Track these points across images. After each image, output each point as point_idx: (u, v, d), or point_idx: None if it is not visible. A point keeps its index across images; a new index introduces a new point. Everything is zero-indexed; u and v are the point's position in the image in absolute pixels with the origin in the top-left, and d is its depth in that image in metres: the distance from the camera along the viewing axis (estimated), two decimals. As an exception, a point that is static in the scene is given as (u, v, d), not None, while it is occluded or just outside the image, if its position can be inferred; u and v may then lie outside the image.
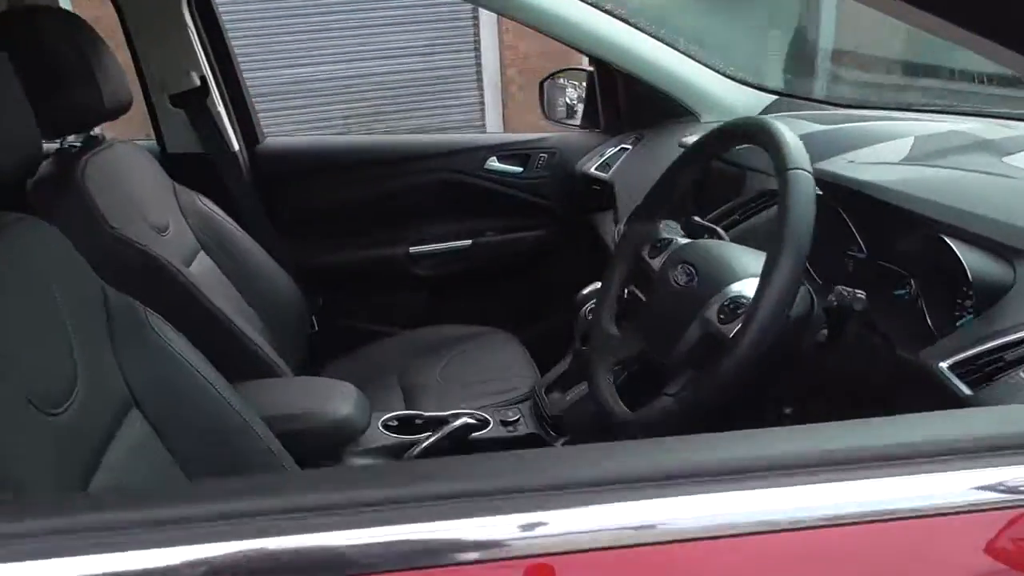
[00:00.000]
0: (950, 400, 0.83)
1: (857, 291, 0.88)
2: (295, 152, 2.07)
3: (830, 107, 1.92)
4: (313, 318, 1.97)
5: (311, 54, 7.13)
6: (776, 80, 2.29)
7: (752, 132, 1.00)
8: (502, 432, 1.46)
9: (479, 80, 8.08)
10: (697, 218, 1.21)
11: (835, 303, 0.88)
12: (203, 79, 1.89)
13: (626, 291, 1.19)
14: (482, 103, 8.14)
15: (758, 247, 1.20)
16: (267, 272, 1.82)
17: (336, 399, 1.34)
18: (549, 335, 2.22)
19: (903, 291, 1.05)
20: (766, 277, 0.84)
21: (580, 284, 2.24)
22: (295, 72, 6.80)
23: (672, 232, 1.18)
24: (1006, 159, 1.23)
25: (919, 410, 0.90)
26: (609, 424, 1.05)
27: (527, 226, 2.19)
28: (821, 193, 1.14)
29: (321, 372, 1.90)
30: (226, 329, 1.43)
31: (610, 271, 1.21)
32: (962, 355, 0.84)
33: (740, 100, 2.04)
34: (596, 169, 2.03)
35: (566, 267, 2.23)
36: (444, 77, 7.91)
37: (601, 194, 2.02)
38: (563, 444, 1.44)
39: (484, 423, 1.41)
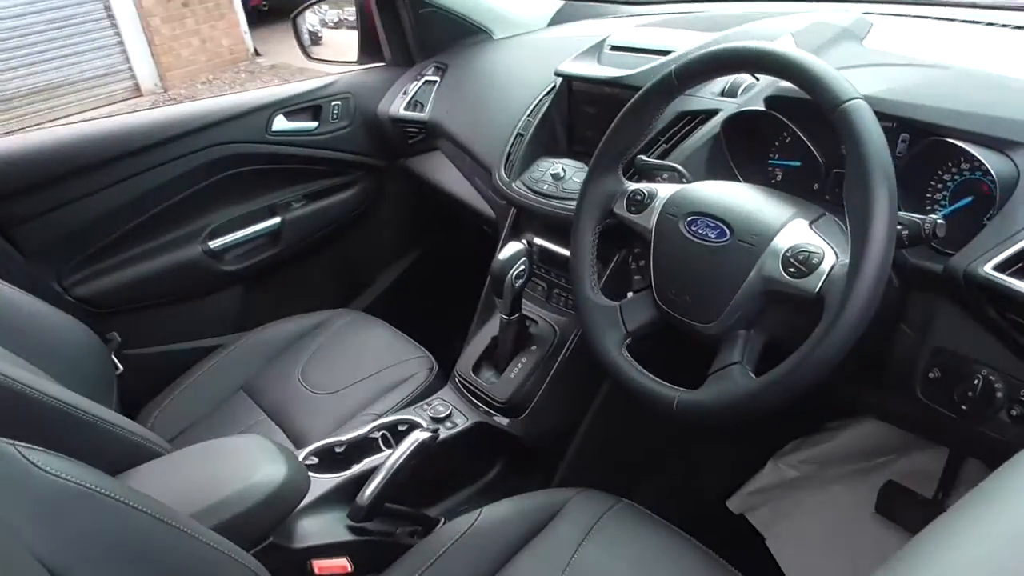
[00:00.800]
0: (1005, 304, 0.83)
1: (935, 216, 0.84)
2: (26, 154, 1.56)
3: (621, 6, 1.90)
4: (114, 358, 1.56)
5: None
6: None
7: (768, 63, 0.89)
8: (447, 432, 1.28)
9: (111, 17, 7.01)
10: (644, 157, 1.11)
11: (904, 231, 0.84)
12: None
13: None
14: (122, 43, 7.10)
15: (703, 175, 1.15)
16: (40, 319, 1.39)
17: (263, 461, 1.06)
18: (403, 301, 2.03)
19: None
20: (864, 223, 0.77)
21: (411, 236, 2.08)
22: None
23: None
24: (865, 44, 1.28)
25: (962, 320, 0.91)
26: (652, 407, 0.94)
27: (338, 187, 1.91)
28: (765, 109, 1.11)
29: (143, 416, 1.54)
30: (61, 414, 1.05)
31: (579, 236, 1.07)
32: (1003, 255, 0.83)
33: (529, 10, 1.94)
34: (406, 110, 1.82)
35: (392, 221, 2.03)
36: (67, 19, 6.74)
37: (421, 136, 1.82)
38: (513, 422, 1.31)
39: (435, 431, 1.22)
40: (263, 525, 1.04)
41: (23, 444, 0.76)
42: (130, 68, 7.22)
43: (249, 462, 1.07)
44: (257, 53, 7.93)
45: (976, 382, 0.86)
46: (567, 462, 1.35)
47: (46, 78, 6.73)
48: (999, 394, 0.86)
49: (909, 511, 1.48)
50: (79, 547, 0.75)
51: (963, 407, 0.88)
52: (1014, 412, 0.84)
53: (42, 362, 1.32)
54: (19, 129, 6.11)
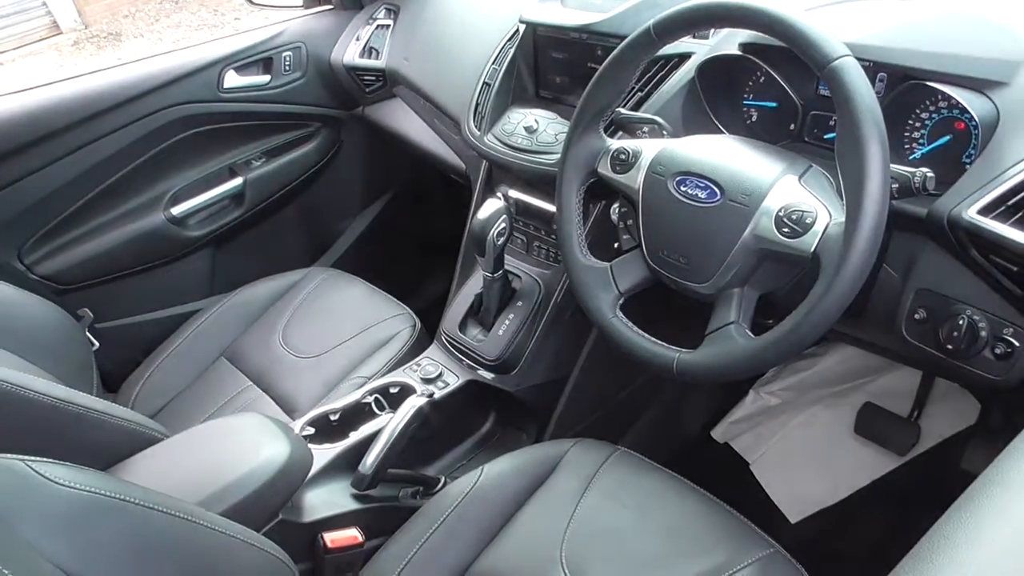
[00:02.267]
0: (988, 248, 0.85)
1: (925, 169, 0.85)
2: None
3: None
4: (88, 334, 1.53)
5: None
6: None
7: (752, 20, 0.88)
8: (440, 392, 1.30)
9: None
10: (622, 110, 1.10)
11: (895, 185, 0.85)
12: None
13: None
14: (32, -22, 6.64)
15: (680, 123, 1.14)
16: (9, 302, 1.36)
17: (265, 441, 1.07)
18: (374, 253, 2.01)
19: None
20: (859, 183, 0.77)
21: (376, 186, 2.04)
22: None
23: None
24: None
25: (945, 262, 0.93)
26: (651, 368, 0.96)
27: (297, 141, 1.86)
28: (741, 54, 1.10)
29: (126, 390, 1.52)
30: (55, 411, 1.03)
31: (563, 198, 1.06)
32: (986, 200, 0.84)
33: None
34: (362, 57, 1.76)
35: (355, 172, 1.99)
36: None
37: (379, 84, 1.77)
38: (504, 378, 1.33)
39: (430, 395, 1.23)
40: (272, 504, 1.05)
41: (32, 458, 0.75)
42: (44, 4, 6.77)
43: (251, 443, 1.07)
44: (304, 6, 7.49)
45: (961, 322, 0.89)
46: (559, 413, 1.38)
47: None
48: (983, 333, 0.89)
49: (887, 430, 1.56)
50: (100, 554, 0.76)
51: (948, 346, 0.91)
52: (998, 350, 0.88)
53: (18, 347, 1.30)
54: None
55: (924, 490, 1.49)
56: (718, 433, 1.70)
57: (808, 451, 1.62)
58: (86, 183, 1.59)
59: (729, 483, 1.10)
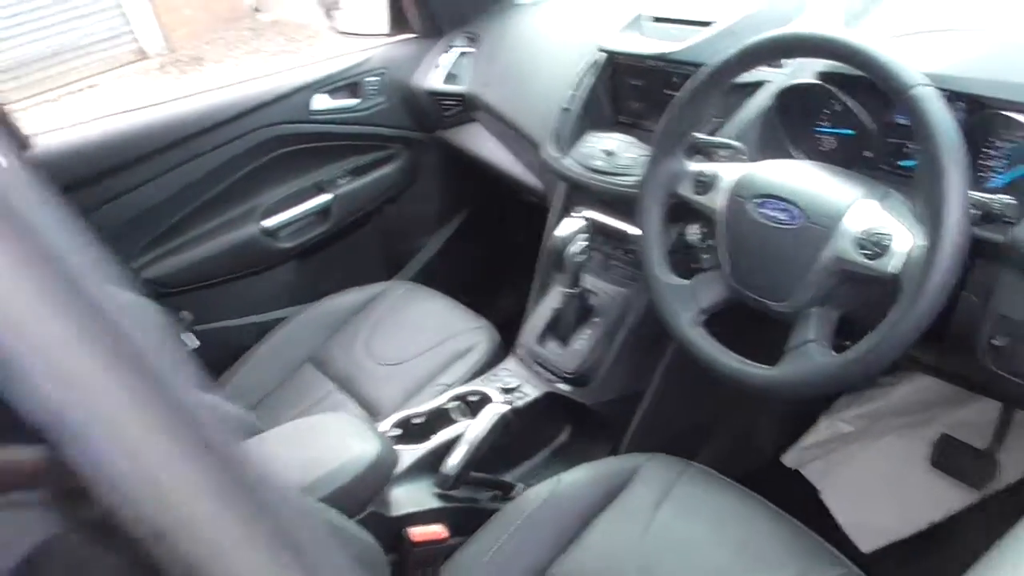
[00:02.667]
0: None
1: (1004, 196, 0.87)
2: (84, 149, 1.59)
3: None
4: (191, 335, 1.64)
5: None
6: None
7: (832, 51, 0.92)
8: (519, 402, 1.35)
9: (109, -21, 6.88)
10: (700, 135, 1.14)
11: (977, 213, 0.88)
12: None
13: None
14: (119, 5, 7.00)
15: (756, 148, 1.18)
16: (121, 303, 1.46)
17: (355, 438, 1.13)
18: (450, 268, 2.08)
19: (911, 162, 1.09)
20: (940, 209, 0.80)
21: (452, 205, 2.12)
22: None
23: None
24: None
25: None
26: (732, 383, 0.99)
27: (379, 161, 1.95)
28: (819, 83, 1.14)
29: (217, 390, 1.61)
30: None
31: (645, 217, 1.11)
32: None
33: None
34: (445, 83, 1.85)
35: (433, 192, 2.08)
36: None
37: (458, 108, 1.85)
38: (580, 391, 1.37)
39: (511, 404, 1.28)
40: (362, 498, 1.11)
41: None
42: (131, 31, 7.14)
43: (342, 439, 1.13)
44: (256, 9, 7.84)
45: None
46: (634, 428, 1.41)
47: (47, 45, 6.63)
48: None
49: (964, 463, 1.54)
50: None
51: None
52: None
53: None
54: (31, 96, 6.12)
55: (1003, 526, 1.46)
56: (789, 459, 1.70)
57: (881, 481, 1.60)
58: (189, 195, 1.70)
59: (799, 510, 1.12)
